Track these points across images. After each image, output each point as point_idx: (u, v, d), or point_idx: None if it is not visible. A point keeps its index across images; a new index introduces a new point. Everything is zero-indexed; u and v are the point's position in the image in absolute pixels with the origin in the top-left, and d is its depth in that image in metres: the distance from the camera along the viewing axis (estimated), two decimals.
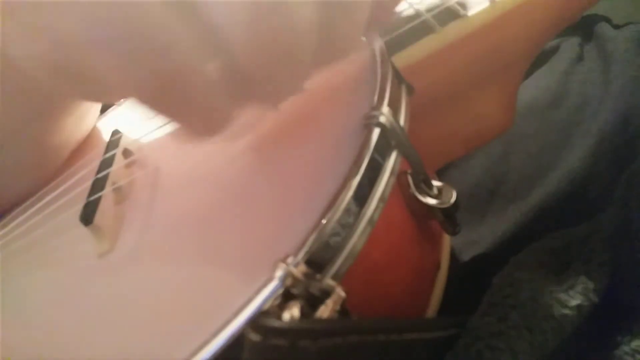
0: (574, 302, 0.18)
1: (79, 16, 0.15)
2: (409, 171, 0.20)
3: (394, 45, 0.23)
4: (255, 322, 0.13)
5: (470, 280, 0.23)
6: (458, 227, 0.21)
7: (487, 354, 0.16)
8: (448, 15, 0.24)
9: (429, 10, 0.24)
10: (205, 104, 0.17)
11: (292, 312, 0.13)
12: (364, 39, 0.20)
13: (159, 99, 0.17)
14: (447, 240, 0.24)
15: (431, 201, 0.20)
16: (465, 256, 0.29)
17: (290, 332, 0.13)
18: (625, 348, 0.17)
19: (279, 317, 0.13)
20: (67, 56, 0.17)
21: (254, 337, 0.12)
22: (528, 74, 0.33)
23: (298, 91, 0.19)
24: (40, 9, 0.16)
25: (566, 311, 0.18)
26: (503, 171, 0.32)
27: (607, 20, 0.36)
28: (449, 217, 0.20)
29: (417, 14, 0.24)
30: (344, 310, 0.15)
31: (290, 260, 0.15)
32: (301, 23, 0.16)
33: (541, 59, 0.37)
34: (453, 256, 0.26)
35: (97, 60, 0.16)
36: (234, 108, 0.18)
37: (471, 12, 0.23)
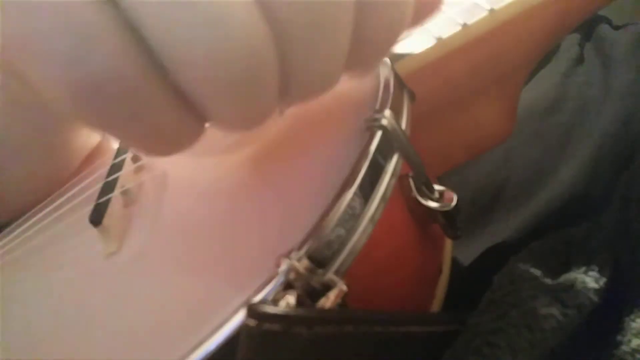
0: (574, 302, 0.18)
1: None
2: (411, 174, 0.20)
3: (396, 54, 0.23)
4: (251, 308, 0.13)
5: (473, 286, 0.23)
6: (459, 231, 0.21)
7: (485, 351, 0.16)
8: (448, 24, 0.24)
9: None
10: (151, 121, 0.15)
11: (289, 300, 0.14)
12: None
13: (98, 113, 0.14)
14: (449, 246, 0.24)
15: (432, 204, 0.20)
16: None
17: (285, 318, 0.13)
18: (625, 348, 0.17)
19: (276, 305, 0.14)
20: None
21: (250, 322, 0.13)
22: (529, 76, 0.33)
23: (265, 121, 0.16)
24: None
25: (566, 310, 0.18)
26: (504, 177, 0.32)
27: (607, 20, 0.36)
28: (450, 220, 0.20)
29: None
30: (344, 305, 0.15)
31: (293, 254, 0.15)
32: (249, 40, 0.13)
33: (542, 60, 0.37)
34: (456, 263, 0.26)
35: (32, 70, 0.14)
36: (194, 127, 0.16)
37: (471, 22, 0.24)
